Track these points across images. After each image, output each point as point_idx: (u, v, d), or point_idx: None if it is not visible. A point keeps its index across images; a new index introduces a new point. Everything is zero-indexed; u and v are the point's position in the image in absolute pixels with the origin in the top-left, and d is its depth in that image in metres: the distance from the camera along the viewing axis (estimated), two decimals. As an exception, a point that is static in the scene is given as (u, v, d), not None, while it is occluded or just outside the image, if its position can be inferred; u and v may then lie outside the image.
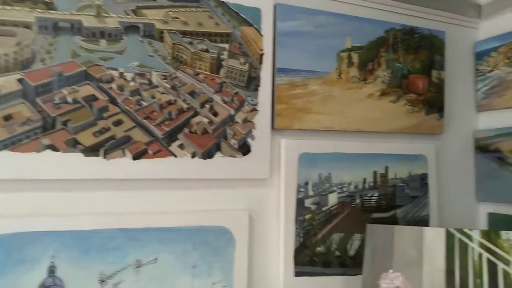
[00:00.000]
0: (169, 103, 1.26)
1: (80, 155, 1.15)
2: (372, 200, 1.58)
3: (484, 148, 1.81)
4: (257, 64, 1.38)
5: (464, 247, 1.14)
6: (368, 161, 1.57)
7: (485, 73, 1.83)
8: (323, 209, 1.48)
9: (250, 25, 1.37)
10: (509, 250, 1.06)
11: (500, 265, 1.07)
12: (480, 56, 1.86)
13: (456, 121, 1.83)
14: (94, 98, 1.18)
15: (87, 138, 1.17)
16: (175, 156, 1.26)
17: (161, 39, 1.26)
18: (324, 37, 1.51)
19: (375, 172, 1.59)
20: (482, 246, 1.11)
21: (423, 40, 1.70)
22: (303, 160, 1.45)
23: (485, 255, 1.10)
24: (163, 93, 1.26)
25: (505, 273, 1.05)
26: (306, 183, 1.45)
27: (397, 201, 1.62)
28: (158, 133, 1.24)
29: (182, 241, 1.26)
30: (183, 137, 1.27)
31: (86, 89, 1.18)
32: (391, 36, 1.63)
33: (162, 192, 1.28)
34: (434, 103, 1.71)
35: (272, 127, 1.42)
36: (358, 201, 1.55)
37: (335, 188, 1.51)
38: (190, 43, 1.30)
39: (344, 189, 1.53)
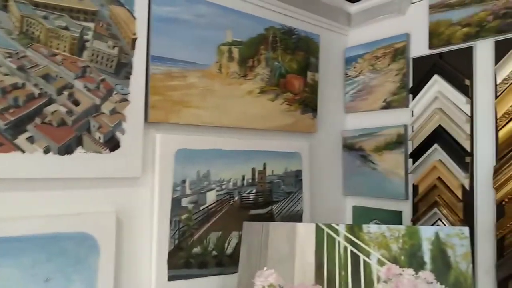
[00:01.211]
0: (15, 87, 1.04)
1: None
2: (250, 197, 1.57)
3: (350, 146, 1.97)
4: (129, 49, 1.24)
5: (331, 241, 1.19)
6: (247, 158, 1.56)
7: (353, 78, 1.99)
8: (201, 208, 1.42)
9: (121, 5, 1.22)
10: (369, 242, 1.15)
11: (362, 257, 1.14)
12: (349, 61, 2.01)
13: (328, 121, 1.95)
14: None
15: None
16: (23, 151, 1.05)
17: (5, 8, 1.03)
18: (204, 28, 1.44)
19: (253, 169, 1.59)
20: (347, 239, 1.18)
21: (300, 41, 1.76)
22: (180, 157, 1.36)
23: (350, 248, 1.17)
24: (6, 74, 1.03)
25: (366, 264, 1.13)
26: (183, 181, 1.37)
27: (273, 197, 1.65)
28: (0, 123, 1.02)
29: (31, 252, 1.07)
30: (33, 129, 1.07)
31: None
32: (271, 34, 1.65)
33: (5, 195, 1.06)
34: (308, 103, 1.79)
35: (146, 120, 1.29)
36: (236, 198, 1.52)
37: (214, 186, 1.45)
38: (45, 18, 1.09)
39: (223, 186, 1.49)
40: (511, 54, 1.45)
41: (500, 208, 1.47)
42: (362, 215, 1.92)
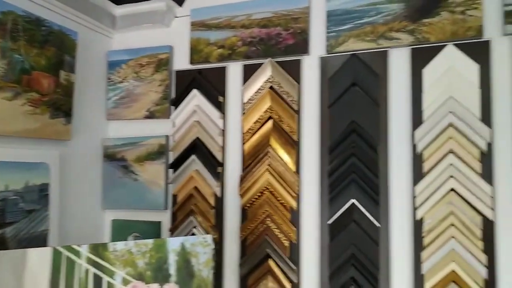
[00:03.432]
0: None
1: None
2: (-30, 220, 1.24)
3: (112, 156, 1.85)
4: None
5: (71, 265, 1.05)
6: (-34, 171, 1.23)
7: (116, 83, 1.88)
8: None
9: None
10: (114, 261, 1.07)
11: (105, 278, 1.05)
12: (112, 65, 1.89)
13: (86, 127, 1.78)
14: None
15: None
16: None
17: None
18: None
19: (-24, 184, 1.26)
20: (89, 261, 1.06)
21: (51, 35, 1.53)
22: None
23: (92, 270, 1.05)
24: None
25: (109, 285, 1.04)
26: None
27: (7, 217, 1.35)
28: None
29: None
30: None
31: None
32: (10, 20, 1.37)
33: None
34: (61, 106, 1.58)
35: None
36: None
37: None
38: None
39: None
40: (254, 78, 1.66)
41: (244, 213, 1.65)
42: (122, 229, 1.82)
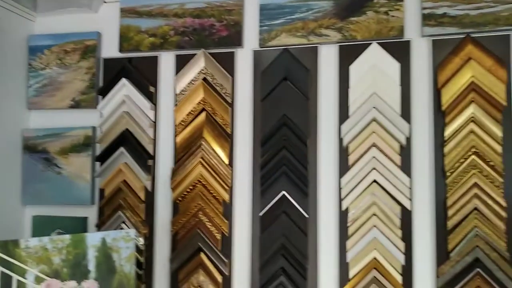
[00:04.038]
0: None
1: None
2: None
3: (33, 148, 1.72)
4: None
5: (-25, 265, 0.96)
6: None
7: (38, 70, 1.75)
8: None
9: None
10: (26, 259, 0.99)
11: (15, 277, 0.97)
12: (33, 51, 1.76)
13: (3, 117, 1.64)
14: None
15: None
16: None
17: None
18: None
19: None
20: (-3, 259, 0.98)
21: (-41, 13, 1.39)
22: None
23: (0, 269, 0.97)
24: None
25: (20, 285, 0.97)
26: None
27: None
28: None
29: None
30: None
31: None
32: None
33: None
34: (-30, 92, 1.44)
35: None
36: None
37: None
38: None
39: None
40: (187, 68, 1.62)
41: (175, 207, 1.62)
42: (44, 226, 1.70)
